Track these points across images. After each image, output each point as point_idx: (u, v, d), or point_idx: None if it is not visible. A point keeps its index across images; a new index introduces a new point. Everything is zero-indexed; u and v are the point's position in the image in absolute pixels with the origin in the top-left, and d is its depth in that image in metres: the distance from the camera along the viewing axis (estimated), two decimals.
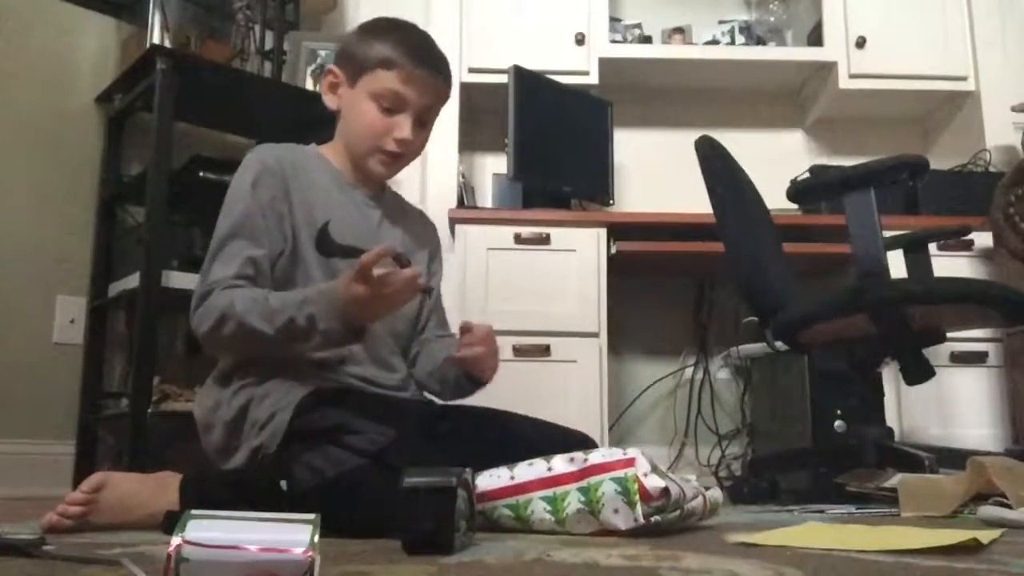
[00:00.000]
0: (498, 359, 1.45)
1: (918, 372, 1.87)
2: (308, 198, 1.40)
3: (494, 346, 1.43)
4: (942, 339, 1.90)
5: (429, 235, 1.64)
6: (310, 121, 2.67)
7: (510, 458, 1.21)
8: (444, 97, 1.50)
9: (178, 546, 0.58)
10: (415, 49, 1.44)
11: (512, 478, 1.14)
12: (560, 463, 1.13)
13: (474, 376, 1.47)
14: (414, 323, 1.56)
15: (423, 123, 1.48)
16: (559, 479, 1.12)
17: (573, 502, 1.09)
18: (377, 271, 1.20)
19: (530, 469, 1.14)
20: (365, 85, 1.43)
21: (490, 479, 1.15)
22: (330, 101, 1.49)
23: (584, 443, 1.45)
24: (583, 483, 1.09)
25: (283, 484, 1.16)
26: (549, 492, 1.11)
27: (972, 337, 2.44)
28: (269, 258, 1.35)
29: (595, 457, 1.11)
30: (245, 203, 1.35)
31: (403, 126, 1.43)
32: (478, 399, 1.54)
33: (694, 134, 2.13)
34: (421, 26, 2.77)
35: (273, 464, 1.23)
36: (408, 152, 1.48)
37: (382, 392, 1.42)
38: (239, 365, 1.35)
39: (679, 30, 3.07)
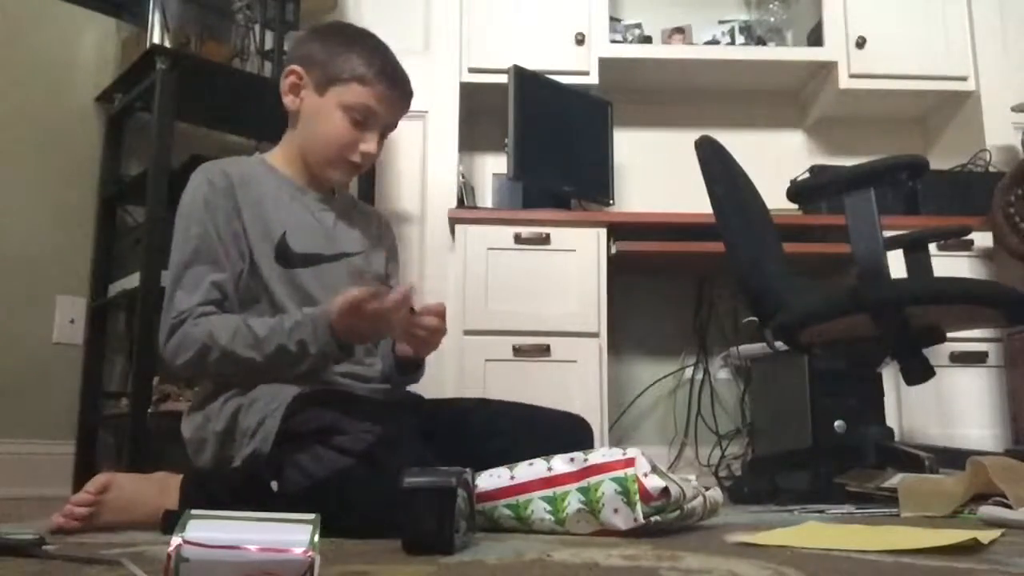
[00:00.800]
0: (442, 336, 1.44)
1: (918, 372, 1.87)
2: (260, 211, 1.40)
3: (444, 324, 1.42)
4: (942, 339, 1.90)
5: (385, 233, 1.64)
6: None
7: (503, 448, 1.24)
8: (405, 112, 1.54)
9: (178, 546, 0.58)
10: (389, 68, 1.47)
11: (512, 478, 1.14)
12: (560, 463, 1.13)
13: (406, 360, 1.48)
14: None
15: (383, 135, 1.51)
16: (559, 479, 1.12)
17: (573, 502, 1.09)
18: (371, 307, 1.24)
19: (530, 469, 1.15)
20: (337, 96, 1.44)
21: (490, 479, 1.15)
22: (291, 103, 1.49)
23: (576, 426, 1.47)
24: (583, 483, 1.09)
25: (274, 485, 1.16)
26: (549, 492, 1.12)
27: (972, 337, 2.44)
28: (232, 280, 1.36)
29: (595, 457, 1.11)
30: (201, 226, 1.35)
31: (371, 141, 1.46)
32: (474, 393, 1.56)
33: (694, 134, 2.13)
34: (421, 26, 2.86)
35: (266, 465, 1.24)
36: (367, 163, 1.51)
37: (370, 387, 1.44)
38: (223, 382, 1.36)
39: (679, 30, 3.07)
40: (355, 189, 2.50)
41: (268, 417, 1.25)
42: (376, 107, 1.45)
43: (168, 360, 1.32)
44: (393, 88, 1.46)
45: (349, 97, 1.43)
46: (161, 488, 1.21)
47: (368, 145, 1.46)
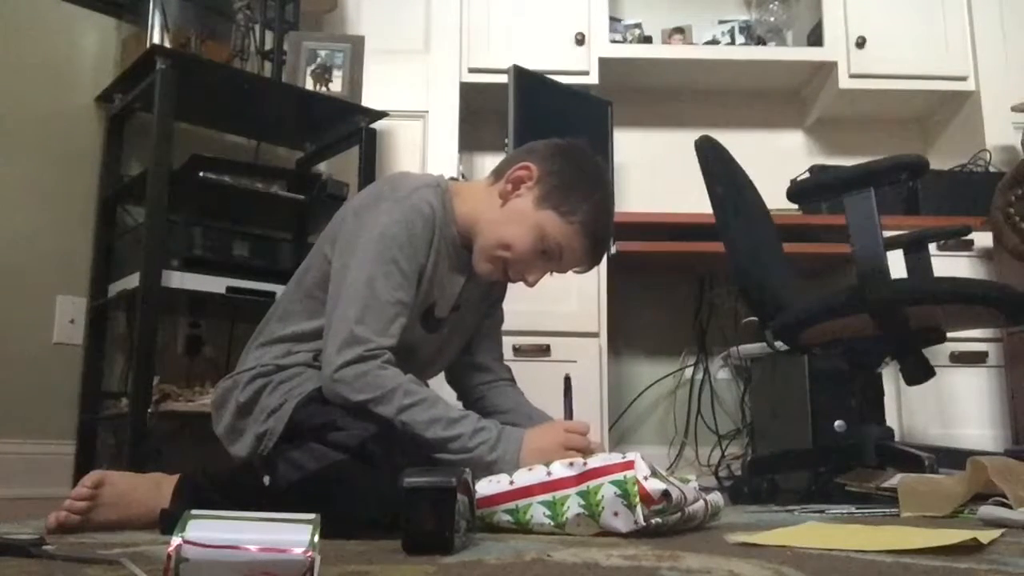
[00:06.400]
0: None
1: (918, 372, 1.87)
2: (435, 272, 1.38)
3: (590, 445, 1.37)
4: (942, 339, 1.90)
5: (498, 284, 1.60)
6: (309, 121, 2.68)
7: None
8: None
9: (178, 546, 0.58)
10: (603, 233, 1.42)
11: (511, 483, 1.14)
12: (559, 467, 1.13)
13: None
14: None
15: (544, 274, 1.47)
16: (558, 483, 1.11)
17: (572, 506, 1.09)
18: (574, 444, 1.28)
19: (529, 474, 1.15)
20: (549, 219, 1.38)
21: (489, 484, 1.15)
22: (504, 190, 1.41)
23: None
24: (582, 487, 1.09)
25: (266, 480, 1.17)
26: (548, 496, 1.11)
27: (972, 337, 2.44)
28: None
29: (594, 461, 1.11)
30: (413, 261, 1.32)
31: (538, 275, 1.43)
32: None
33: (694, 134, 2.13)
34: (421, 26, 2.86)
35: (260, 461, 1.26)
36: (515, 282, 1.48)
37: None
38: (280, 343, 1.38)
39: (679, 30, 3.07)
40: (355, 189, 2.50)
41: (288, 401, 1.29)
42: (570, 260, 1.41)
43: (338, 385, 1.25)
44: (594, 259, 1.43)
45: (558, 232, 1.37)
46: (155, 487, 1.22)
47: (532, 277, 1.42)
